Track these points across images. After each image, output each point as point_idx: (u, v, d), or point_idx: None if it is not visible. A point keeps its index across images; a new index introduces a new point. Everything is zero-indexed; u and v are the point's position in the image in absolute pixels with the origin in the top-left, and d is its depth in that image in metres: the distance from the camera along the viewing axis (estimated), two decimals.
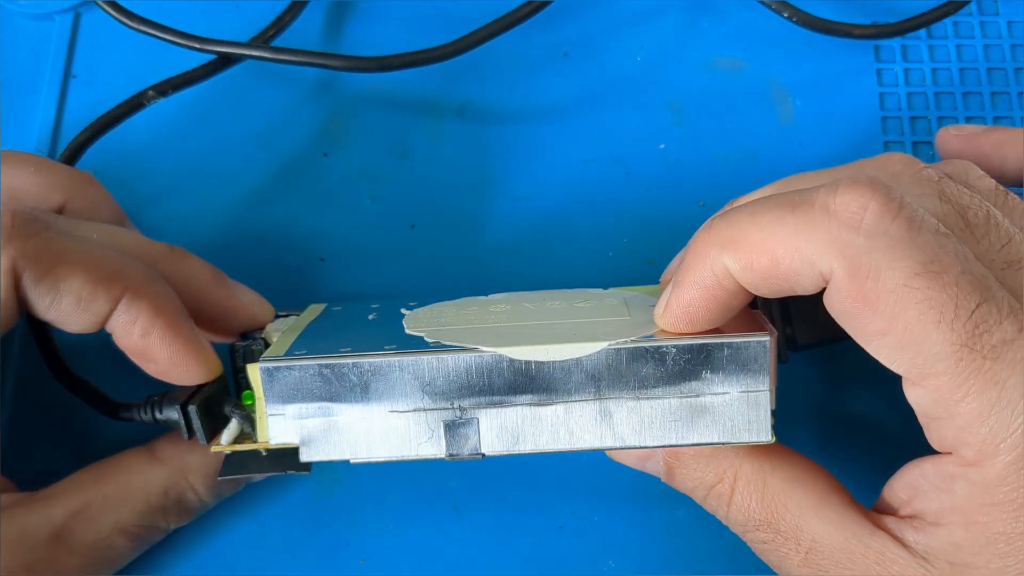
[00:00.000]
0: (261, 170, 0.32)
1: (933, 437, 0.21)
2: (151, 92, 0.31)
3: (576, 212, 0.32)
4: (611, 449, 0.23)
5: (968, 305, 0.19)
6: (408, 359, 0.22)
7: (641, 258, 0.31)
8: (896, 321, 0.20)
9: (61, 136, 0.33)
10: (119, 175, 0.32)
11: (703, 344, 0.22)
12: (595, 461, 0.28)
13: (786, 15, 0.33)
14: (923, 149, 0.32)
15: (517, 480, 0.28)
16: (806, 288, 0.21)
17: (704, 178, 0.32)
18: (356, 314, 0.27)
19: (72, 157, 0.31)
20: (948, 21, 0.34)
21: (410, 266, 0.31)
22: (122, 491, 0.25)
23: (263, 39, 0.33)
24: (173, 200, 0.32)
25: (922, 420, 0.21)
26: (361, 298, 0.29)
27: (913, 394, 0.21)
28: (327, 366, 0.22)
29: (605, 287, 0.29)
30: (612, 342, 0.22)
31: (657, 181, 0.32)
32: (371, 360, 0.22)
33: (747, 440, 0.22)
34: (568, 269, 0.31)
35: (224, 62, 0.32)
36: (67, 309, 0.24)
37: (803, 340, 0.25)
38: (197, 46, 0.31)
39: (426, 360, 0.22)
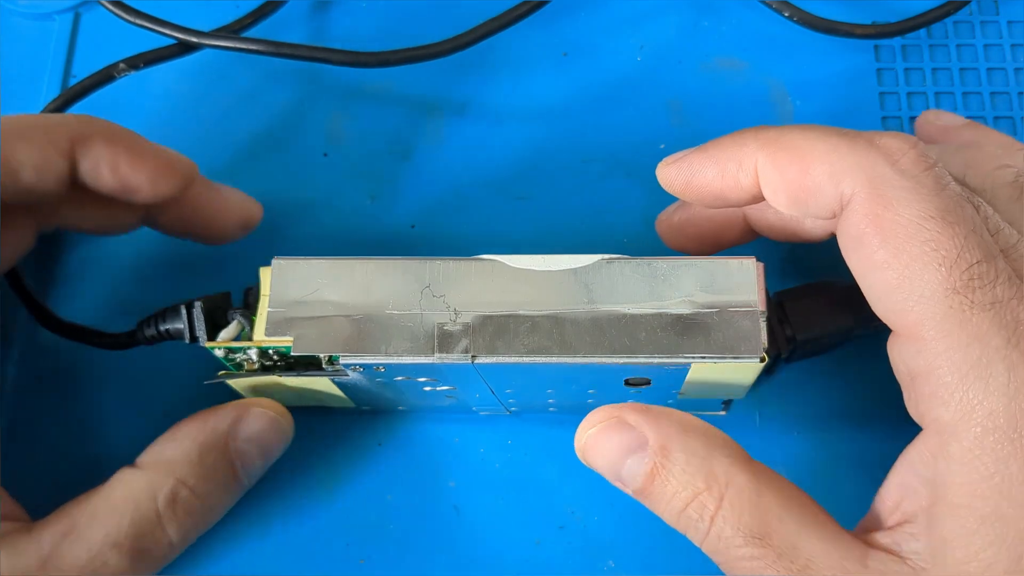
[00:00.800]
0: (261, 170, 0.32)
1: (915, 402, 0.21)
2: (122, 65, 0.31)
3: (576, 212, 0.32)
4: (603, 360, 0.22)
5: (969, 257, 0.20)
6: (411, 262, 0.23)
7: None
8: (900, 254, 0.20)
9: None
10: None
11: (692, 262, 0.23)
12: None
13: (786, 15, 0.33)
14: None
15: (517, 480, 0.28)
16: (820, 207, 0.22)
17: None
18: None
19: None
20: (948, 21, 0.34)
21: None
22: (107, 504, 0.24)
23: (243, 28, 0.33)
24: None
25: (903, 382, 0.21)
26: None
27: (897, 348, 0.21)
28: (335, 263, 0.23)
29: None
30: (607, 256, 0.23)
31: (657, 181, 0.32)
32: (376, 261, 0.23)
33: (738, 355, 0.22)
34: None
35: (188, 48, 0.32)
36: (29, 180, 0.24)
37: (801, 337, 0.25)
38: (195, 40, 0.31)
39: (428, 263, 0.23)
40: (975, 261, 0.20)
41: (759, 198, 0.23)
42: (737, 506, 0.21)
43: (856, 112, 0.33)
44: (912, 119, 0.33)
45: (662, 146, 0.33)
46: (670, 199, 0.32)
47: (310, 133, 0.33)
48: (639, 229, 0.31)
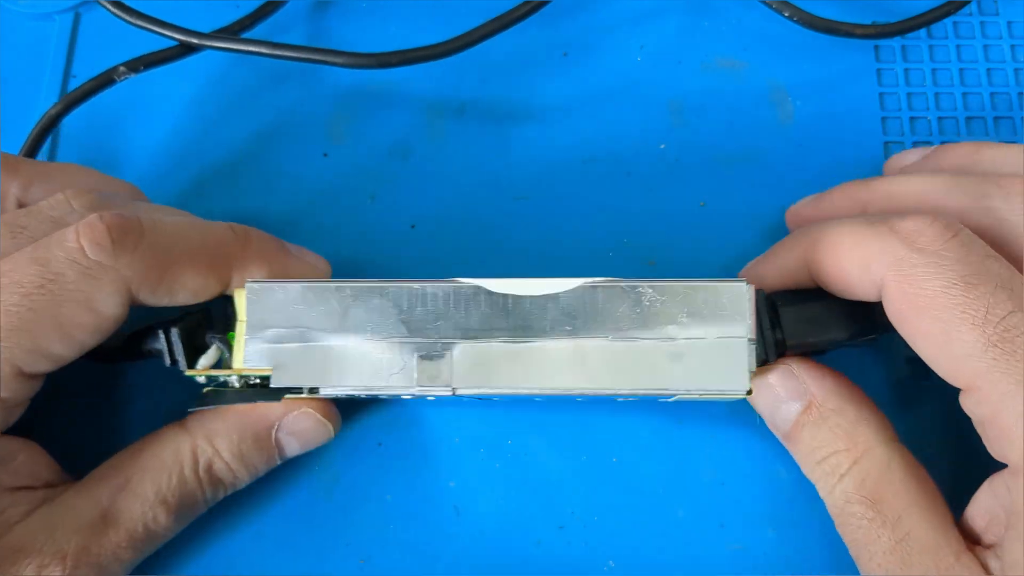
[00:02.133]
0: (261, 170, 0.32)
1: (990, 445, 0.22)
2: (122, 68, 0.31)
3: (576, 212, 0.32)
4: (584, 391, 0.23)
5: (999, 312, 0.21)
6: (389, 285, 0.23)
7: (641, 258, 0.31)
8: (936, 322, 0.22)
9: (61, 139, 0.33)
10: (116, 175, 0.33)
11: (680, 286, 0.22)
12: (595, 461, 0.28)
13: (786, 15, 0.33)
14: None
15: (517, 480, 0.28)
16: (864, 292, 0.24)
17: (704, 178, 0.32)
18: None
19: (44, 130, 0.31)
20: (948, 21, 0.34)
21: (410, 266, 0.31)
22: (157, 461, 0.25)
23: (243, 30, 0.33)
24: (173, 200, 0.32)
25: (979, 429, 0.23)
26: None
27: (964, 401, 0.23)
28: (310, 288, 0.23)
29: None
30: (589, 280, 0.22)
31: (657, 181, 0.32)
32: (353, 285, 0.23)
33: (723, 388, 0.22)
34: (568, 269, 0.31)
35: (188, 49, 0.32)
36: (183, 301, 0.25)
37: (791, 343, 0.25)
38: (196, 42, 0.31)
39: (407, 288, 0.23)
40: (1005, 313, 0.21)
41: (819, 282, 0.25)
42: (865, 470, 0.24)
43: (856, 112, 0.33)
44: (912, 119, 0.33)
45: (662, 146, 0.33)
46: (670, 199, 0.32)
47: (310, 133, 0.33)
48: (639, 229, 0.31)
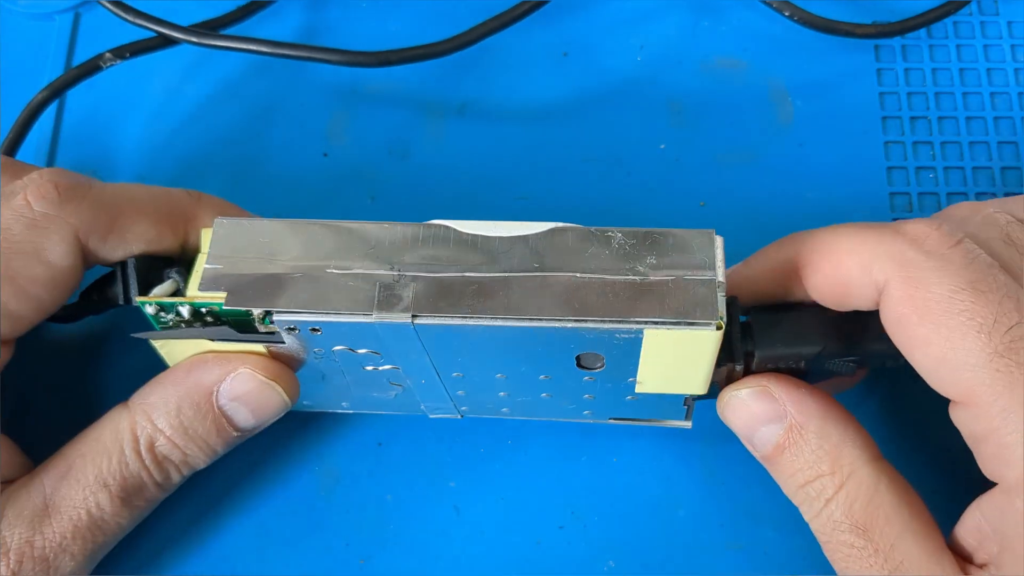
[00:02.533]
0: (261, 170, 0.32)
1: (983, 463, 0.22)
2: (108, 55, 0.31)
3: (576, 212, 0.32)
4: (550, 324, 0.21)
5: (1007, 321, 0.20)
6: (359, 224, 0.23)
7: None
8: (939, 328, 0.21)
9: (61, 136, 0.33)
10: (117, 177, 0.33)
11: (649, 231, 0.22)
12: (594, 461, 0.28)
13: (787, 14, 0.33)
14: (923, 149, 0.32)
15: (517, 480, 0.28)
16: (860, 297, 0.23)
17: (704, 178, 0.32)
18: None
19: (29, 119, 0.31)
20: (948, 21, 0.34)
21: None
22: (98, 444, 0.24)
23: (246, 31, 0.33)
24: None
25: (970, 445, 0.22)
26: None
27: (957, 415, 0.22)
28: (278, 222, 0.23)
29: None
30: (559, 224, 0.22)
31: (657, 181, 0.32)
32: (324, 223, 0.23)
33: (694, 324, 0.21)
34: None
35: (163, 42, 0.32)
36: (138, 251, 0.25)
37: (760, 354, 0.24)
38: (195, 40, 0.31)
39: (376, 226, 0.22)
40: (1013, 323, 0.20)
41: (811, 291, 0.24)
42: (853, 496, 0.23)
43: (856, 112, 0.33)
44: (912, 119, 0.33)
45: (662, 146, 0.33)
46: (670, 199, 0.32)
47: (310, 133, 0.33)
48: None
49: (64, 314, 0.27)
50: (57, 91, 0.31)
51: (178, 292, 0.24)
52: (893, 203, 0.32)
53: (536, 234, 0.22)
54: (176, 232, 0.25)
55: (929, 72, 0.34)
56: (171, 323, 0.24)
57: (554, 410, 0.26)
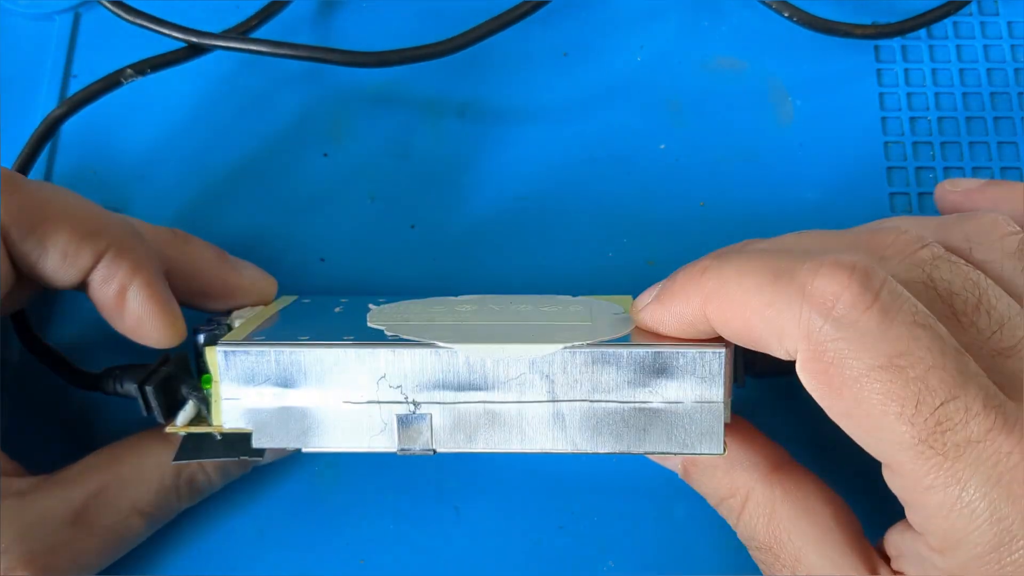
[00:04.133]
0: (261, 170, 0.32)
1: (910, 517, 0.21)
2: (129, 70, 0.31)
3: (576, 212, 0.32)
4: (563, 452, 0.23)
5: (931, 402, 0.19)
6: (364, 350, 0.23)
7: (641, 258, 0.31)
8: (858, 406, 0.20)
9: (61, 136, 0.33)
10: (117, 175, 0.33)
11: (658, 352, 0.22)
12: (594, 461, 0.28)
13: (786, 15, 0.33)
14: (922, 149, 0.32)
15: (517, 480, 0.28)
16: (775, 354, 0.21)
17: (704, 178, 0.32)
18: (323, 306, 0.27)
19: (47, 132, 0.31)
20: (948, 21, 0.34)
21: (410, 266, 0.31)
22: (137, 472, 0.25)
23: (248, 31, 0.33)
24: (173, 201, 0.32)
25: (900, 501, 0.21)
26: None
27: (887, 477, 0.21)
28: (283, 353, 0.23)
29: (604, 287, 0.29)
30: (567, 344, 0.22)
31: (657, 181, 0.32)
32: (327, 350, 0.23)
33: (699, 451, 0.22)
34: (568, 269, 0.31)
35: (194, 51, 0.32)
36: (53, 265, 0.24)
37: (760, 368, 0.25)
38: (195, 40, 0.31)
39: (382, 352, 0.22)
40: (939, 404, 0.19)
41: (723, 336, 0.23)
42: (753, 517, 0.24)
43: (856, 112, 0.33)
44: (912, 119, 0.33)
45: (662, 146, 0.33)
46: (670, 199, 0.32)
47: (310, 133, 0.33)
48: (639, 229, 0.31)
49: (82, 380, 0.27)
50: (76, 106, 0.31)
51: (200, 413, 0.25)
52: (893, 203, 0.32)
53: (544, 357, 0.22)
54: (95, 251, 0.24)
55: (929, 72, 0.34)
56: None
57: None
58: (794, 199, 0.32)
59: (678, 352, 0.22)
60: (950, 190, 0.28)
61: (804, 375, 0.20)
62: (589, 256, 0.31)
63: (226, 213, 0.32)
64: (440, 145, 0.33)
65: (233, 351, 0.23)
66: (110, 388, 0.26)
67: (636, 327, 0.24)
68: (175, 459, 0.25)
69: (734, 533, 0.25)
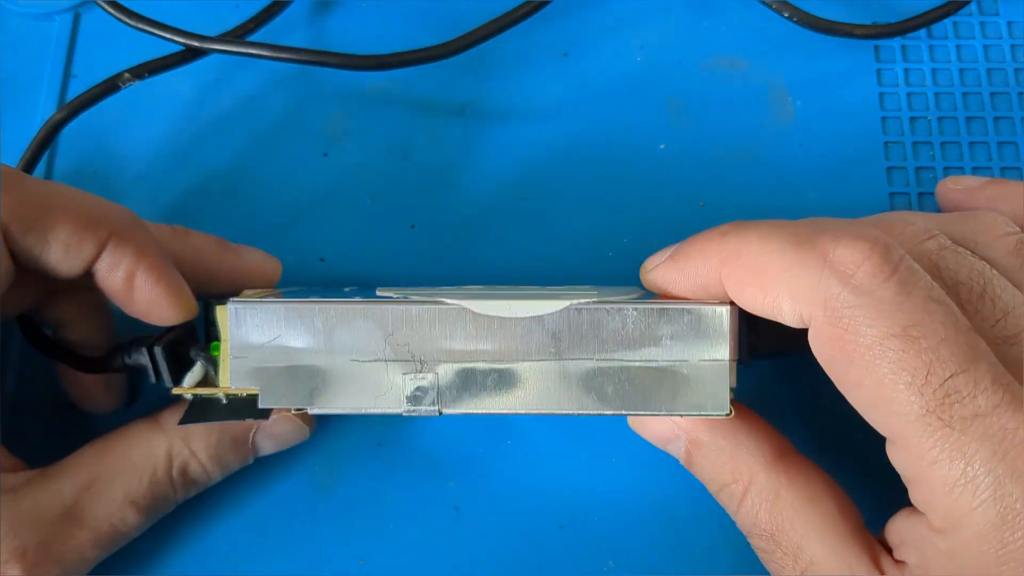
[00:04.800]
0: (261, 170, 0.32)
1: (912, 497, 0.21)
2: (127, 75, 0.31)
3: (576, 212, 0.32)
4: (569, 413, 0.23)
5: (941, 373, 0.19)
6: (373, 307, 0.23)
7: (641, 258, 0.31)
8: (869, 376, 0.20)
9: (61, 136, 0.33)
10: (117, 177, 0.33)
11: (664, 308, 0.22)
12: (594, 461, 0.28)
13: (786, 15, 0.33)
14: (922, 149, 0.32)
15: (517, 480, 0.28)
16: (787, 322, 0.22)
17: (704, 178, 0.32)
18: (330, 288, 0.27)
19: (47, 138, 0.31)
20: (948, 21, 0.34)
21: (410, 266, 0.31)
22: (128, 462, 0.25)
23: (246, 34, 0.33)
24: (173, 202, 0.32)
25: (904, 481, 0.21)
26: None
27: (891, 453, 0.21)
28: (292, 309, 0.23)
29: (602, 287, 0.29)
30: (574, 302, 0.22)
31: (657, 181, 0.32)
32: (337, 306, 0.23)
33: (704, 413, 0.22)
34: (568, 269, 0.31)
35: (192, 54, 0.32)
36: (56, 257, 0.24)
37: (763, 348, 0.25)
38: (196, 44, 0.31)
39: (390, 309, 0.22)
40: (948, 375, 0.19)
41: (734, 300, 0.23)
42: (756, 504, 0.23)
43: (856, 112, 0.33)
44: (912, 119, 0.33)
45: (662, 146, 0.33)
46: (670, 199, 0.32)
47: (310, 133, 0.33)
48: (639, 229, 0.31)
49: (88, 364, 0.27)
50: (76, 110, 0.31)
51: (208, 374, 0.25)
52: (893, 203, 0.32)
53: (551, 314, 0.22)
54: (97, 240, 0.24)
55: (929, 72, 0.34)
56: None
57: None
58: (794, 199, 0.32)
59: (684, 308, 0.22)
60: (952, 187, 0.28)
61: (817, 342, 0.21)
62: (589, 256, 0.31)
63: (226, 214, 0.32)
64: (440, 145, 0.33)
65: (243, 306, 0.23)
66: (119, 363, 0.26)
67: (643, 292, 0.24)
68: (181, 422, 0.25)
69: (734, 533, 0.25)
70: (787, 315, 0.21)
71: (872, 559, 0.22)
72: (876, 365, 0.20)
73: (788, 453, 0.24)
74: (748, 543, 0.25)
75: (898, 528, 0.22)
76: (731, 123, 0.33)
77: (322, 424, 0.29)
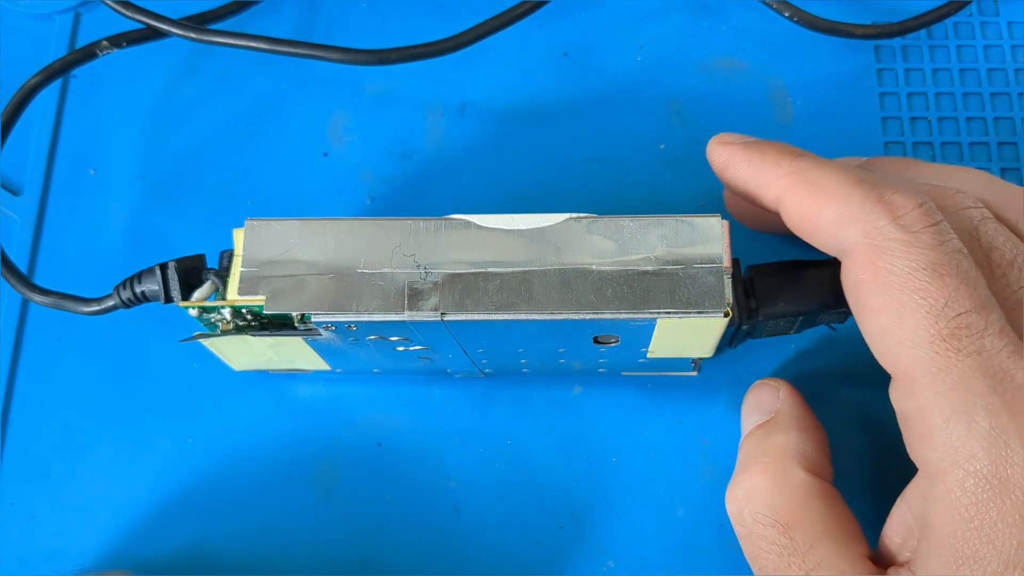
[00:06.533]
0: (261, 169, 0.32)
1: (909, 445, 0.22)
2: (105, 43, 0.31)
3: (576, 212, 0.32)
4: (570, 316, 0.23)
5: (957, 307, 0.21)
6: (383, 221, 0.24)
7: None
8: (892, 301, 0.21)
9: (61, 137, 0.33)
10: (116, 177, 0.33)
11: (659, 219, 0.23)
12: (594, 461, 0.28)
13: (787, 15, 0.33)
14: (922, 150, 0.32)
15: (517, 480, 0.28)
16: (824, 243, 0.23)
17: (704, 178, 0.32)
18: None
19: (22, 101, 0.31)
20: (948, 22, 0.34)
21: None
22: None
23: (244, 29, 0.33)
24: (172, 201, 0.32)
25: (901, 425, 0.22)
26: None
27: (893, 391, 0.22)
28: (306, 223, 0.24)
29: None
30: (574, 215, 0.23)
31: (657, 181, 0.32)
32: (348, 221, 0.24)
33: (703, 310, 0.23)
34: None
35: (157, 32, 0.32)
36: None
37: (764, 311, 0.25)
38: (194, 36, 0.31)
39: (399, 223, 0.24)
40: (963, 311, 0.21)
41: (782, 213, 0.24)
42: (781, 490, 0.24)
43: (856, 113, 0.33)
44: (912, 120, 0.33)
45: (662, 146, 0.33)
46: (670, 199, 0.32)
47: (310, 133, 0.33)
48: None
49: (95, 306, 0.27)
50: (52, 75, 0.31)
51: (217, 294, 0.25)
52: None
53: (552, 225, 0.23)
54: None
55: (929, 73, 0.34)
56: (213, 321, 0.25)
57: (571, 367, 0.28)
58: None
59: (680, 220, 0.23)
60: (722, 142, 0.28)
61: (853, 267, 0.22)
62: None
63: (225, 213, 0.32)
64: (440, 145, 0.33)
65: (260, 222, 0.24)
66: (127, 296, 0.26)
67: None
68: (181, 339, 0.25)
69: (733, 534, 0.25)
70: (829, 238, 0.23)
71: (876, 563, 0.22)
72: (901, 290, 0.21)
73: (822, 468, 0.25)
74: (741, 537, 0.24)
75: (896, 523, 0.22)
76: (731, 123, 0.33)
77: (322, 424, 0.29)
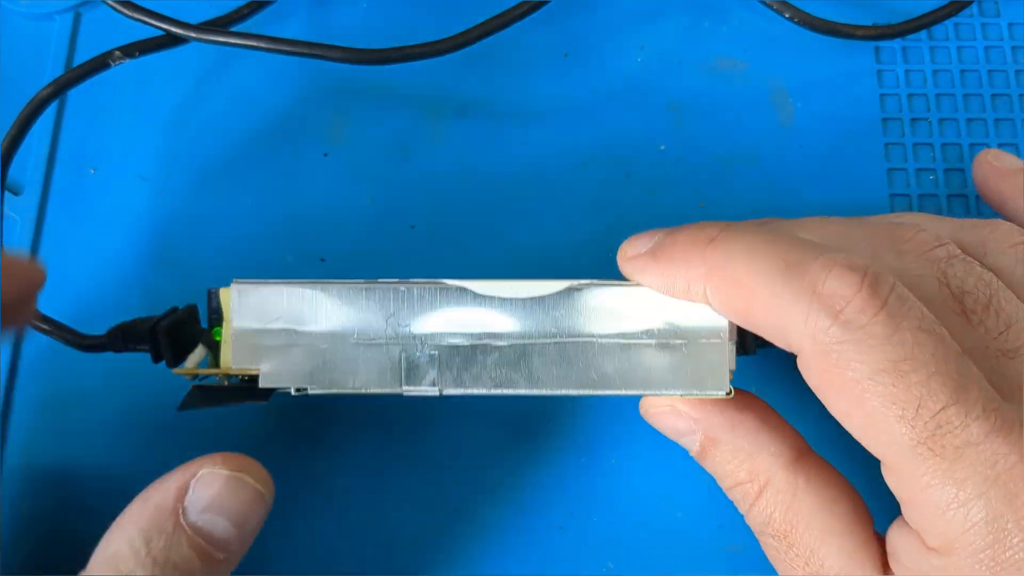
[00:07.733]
0: (260, 170, 0.32)
1: (907, 516, 0.21)
2: (117, 52, 0.31)
3: (576, 212, 0.32)
4: (570, 393, 0.23)
5: (932, 406, 0.19)
6: (375, 288, 0.23)
7: None
8: (860, 408, 0.20)
9: (61, 137, 0.33)
10: (114, 176, 0.33)
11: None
12: (594, 461, 0.28)
13: (787, 16, 0.33)
14: (923, 151, 0.32)
15: (516, 480, 0.28)
16: (777, 344, 0.22)
17: (704, 178, 0.32)
18: None
19: (33, 114, 0.31)
20: (949, 23, 0.34)
21: (410, 266, 0.31)
22: None
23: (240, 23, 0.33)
24: (171, 200, 0.32)
25: (898, 499, 0.21)
26: None
27: (885, 475, 0.21)
28: (295, 290, 0.23)
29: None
30: (575, 282, 0.23)
31: (657, 181, 0.32)
32: (339, 287, 0.23)
33: (704, 391, 0.22)
34: (568, 269, 0.31)
35: (173, 40, 0.32)
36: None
37: (759, 342, 0.25)
38: (194, 35, 0.31)
39: (392, 290, 0.23)
40: (940, 408, 0.19)
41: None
42: (772, 504, 0.23)
43: (856, 113, 0.33)
44: (913, 120, 0.33)
45: (662, 147, 0.33)
46: (670, 199, 0.32)
47: (310, 133, 0.33)
48: (639, 229, 0.31)
49: (89, 344, 0.27)
50: (62, 87, 0.31)
51: (209, 357, 0.25)
52: (893, 205, 0.32)
53: (551, 295, 0.23)
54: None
55: (930, 74, 0.34)
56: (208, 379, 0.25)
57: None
58: (794, 200, 0.32)
59: None
60: (991, 162, 0.28)
61: (807, 372, 0.21)
62: (589, 256, 0.31)
63: (225, 213, 0.32)
64: (440, 145, 0.33)
65: (246, 287, 0.23)
66: (119, 344, 0.26)
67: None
68: (180, 408, 0.25)
69: (734, 534, 0.25)
70: (775, 340, 0.21)
71: (883, 563, 0.22)
72: (866, 398, 0.20)
73: (807, 453, 0.24)
74: (748, 544, 0.25)
75: (893, 540, 0.22)
76: (731, 124, 0.33)
77: (322, 424, 0.29)
